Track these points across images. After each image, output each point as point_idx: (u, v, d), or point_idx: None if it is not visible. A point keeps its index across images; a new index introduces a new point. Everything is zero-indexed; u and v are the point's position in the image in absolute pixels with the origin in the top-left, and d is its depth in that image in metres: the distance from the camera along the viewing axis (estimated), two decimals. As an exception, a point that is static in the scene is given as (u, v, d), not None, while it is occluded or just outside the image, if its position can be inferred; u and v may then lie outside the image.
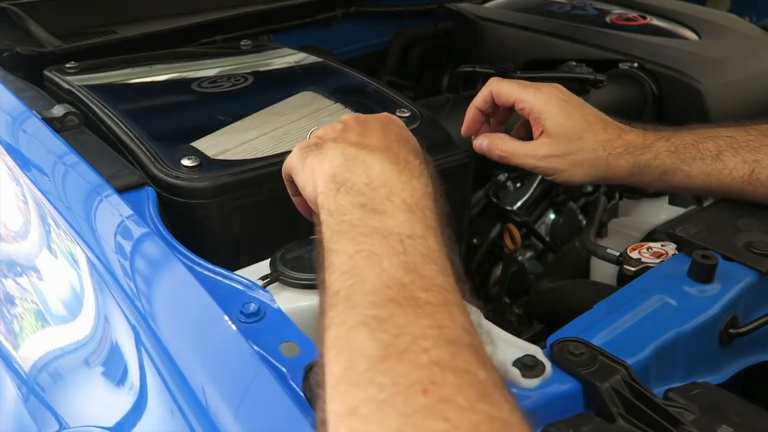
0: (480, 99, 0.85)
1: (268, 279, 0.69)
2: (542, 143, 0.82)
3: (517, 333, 0.62)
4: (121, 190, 0.74)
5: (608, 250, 0.86)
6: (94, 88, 1.00)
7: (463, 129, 0.88)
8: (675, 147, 0.78)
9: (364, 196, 0.56)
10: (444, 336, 0.45)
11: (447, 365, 0.43)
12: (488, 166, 1.12)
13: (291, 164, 0.67)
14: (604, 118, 0.83)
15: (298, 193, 0.68)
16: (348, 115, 0.70)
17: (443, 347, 0.44)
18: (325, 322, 0.49)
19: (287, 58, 1.19)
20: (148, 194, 0.75)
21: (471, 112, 0.87)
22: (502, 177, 1.16)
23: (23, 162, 0.84)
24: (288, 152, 0.83)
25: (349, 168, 0.59)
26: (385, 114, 0.71)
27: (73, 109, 0.91)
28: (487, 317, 0.69)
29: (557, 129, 0.80)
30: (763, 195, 0.77)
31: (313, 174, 0.62)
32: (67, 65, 1.08)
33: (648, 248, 0.78)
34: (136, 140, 0.86)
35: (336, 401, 0.44)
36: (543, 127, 0.81)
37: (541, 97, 0.82)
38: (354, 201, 0.56)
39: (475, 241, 1.14)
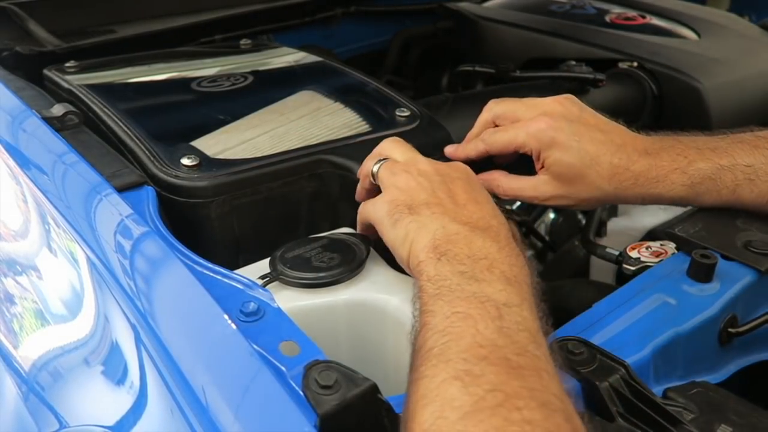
0: (474, 153, 0.81)
1: (268, 278, 0.69)
2: (543, 181, 0.77)
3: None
4: (120, 190, 0.74)
5: (607, 250, 0.86)
6: (93, 88, 1.00)
7: (466, 155, 0.83)
8: (691, 181, 0.73)
9: (465, 266, 0.58)
10: (535, 398, 0.46)
11: (539, 425, 0.44)
12: (488, 166, 1.12)
13: (375, 217, 0.68)
14: (614, 140, 0.75)
15: (370, 231, 0.71)
16: (424, 165, 0.70)
17: (535, 408, 0.45)
18: (415, 376, 0.50)
19: (287, 57, 1.19)
20: (148, 193, 0.75)
21: (473, 138, 0.82)
22: (501, 176, 1.16)
23: (23, 161, 0.84)
24: (288, 152, 0.84)
25: (451, 241, 0.60)
26: (462, 168, 0.71)
27: (72, 109, 0.91)
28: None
29: (556, 167, 0.76)
30: None
31: (410, 241, 0.63)
32: (67, 64, 1.08)
33: (647, 247, 0.78)
34: (135, 139, 0.86)
35: None
36: (542, 163, 0.77)
37: (533, 134, 0.76)
38: (454, 269, 0.57)
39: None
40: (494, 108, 0.81)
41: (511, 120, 0.79)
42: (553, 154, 0.75)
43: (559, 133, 0.75)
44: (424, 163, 0.71)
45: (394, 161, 0.72)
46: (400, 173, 0.69)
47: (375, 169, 0.72)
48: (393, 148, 0.74)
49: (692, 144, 0.75)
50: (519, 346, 0.50)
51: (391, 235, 0.65)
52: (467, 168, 0.72)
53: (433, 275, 0.58)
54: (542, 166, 0.77)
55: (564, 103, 0.79)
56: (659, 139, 0.77)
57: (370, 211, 0.69)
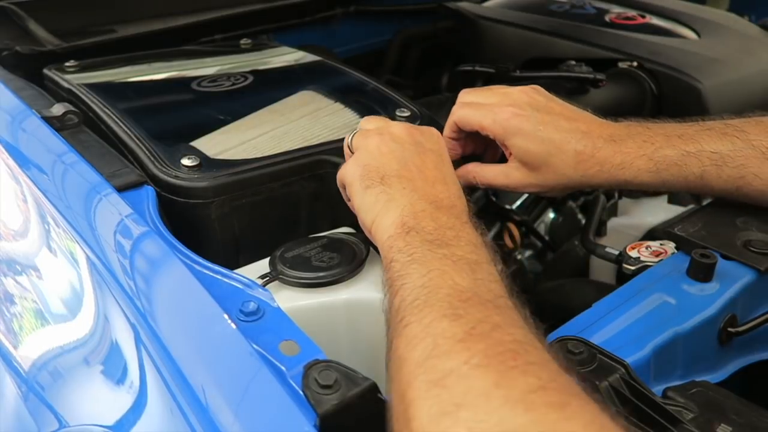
0: (448, 130, 0.83)
1: (268, 278, 0.69)
2: (512, 167, 0.79)
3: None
4: (120, 189, 0.74)
5: (607, 249, 0.86)
6: (93, 87, 1.00)
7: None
8: (657, 167, 0.74)
9: (432, 236, 0.61)
10: (519, 326, 0.51)
11: (529, 344, 0.49)
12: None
13: (348, 179, 0.71)
14: (579, 127, 0.77)
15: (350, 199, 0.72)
16: (397, 129, 0.73)
17: (521, 335, 0.50)
18: (398, 328, 0.52)
19: (287, 57, 1.19)
20: (148, 193, 0.75)
21: (446, 141, 0.81)
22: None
23: (23, 161, 0.84)
24: (288, 152, 0.84)
25: (417, 217, 0.63)
26: (435, 137, 0.75)
27: (72, 108, 0.91)
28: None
29: (521, 155, 0.77)
30: (753, 201, 0.75)
31: (376, 211, 0.66)
32: (67, 64, 1.08)
33: (647, 247, 0.78)
34: (135, 139, 0.86)
35: (423, 374, 0.47)
36: (509, 151, 0.79)
37: (500, 122, 0.77)
38: (423, 239, 0.60)
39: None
40: (465, 97, 0.83)
41: (474, 127, 0.80)
42: (518, 142, 0.77)
43: (524, 121, 0.76)
44: (398, 127, 0.73)
45: (367, 129, 0.75)
46: (372, 136, 0.72)
47: (349, 138, 0.75)
48: (368, 120, 0.79)
49: (660, 131, 0.76)
50: (495, 293, 0.55)
51: (358, 200, 0.68)
52: (439, 136, 0.76)
53: (402, 246, 0.60)
54: (510, 154, 0.79)
55: (530, 93, 0.80)
56: (627, 125, 0.78)
57: (343, 172, 0.72)
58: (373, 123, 0.77)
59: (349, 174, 0.71)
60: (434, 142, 0.74)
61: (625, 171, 0.75)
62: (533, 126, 0.76)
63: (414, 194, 0.66)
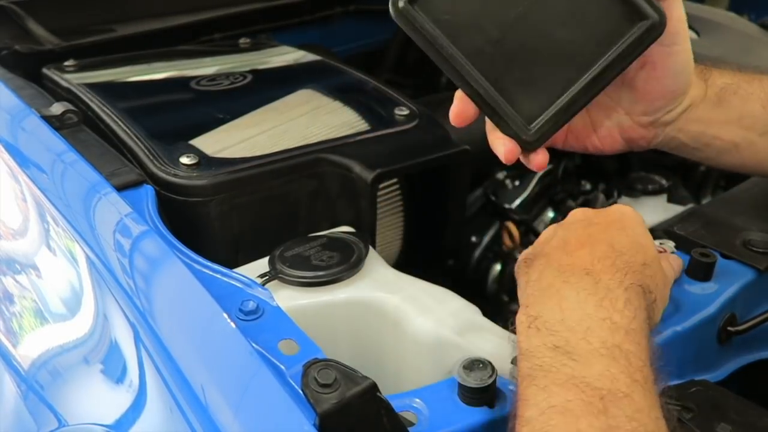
0: None
1: (267, 277, 0.69)
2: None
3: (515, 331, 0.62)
4: (119, 188, 0.74)
5: (607, 248, 0.86)
6: (92, 86, 0.99)
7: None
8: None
9: (557, 336, 0.49)
10: None
11: None
12: (487, 165, 1.12)
13: (519, 261, 0.62)
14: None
15: None
16: (577, 215, 0.63)
17: None
18: None
19: (286, 56, 1.19)
20: (147, 192, 0.75)
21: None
22: (500, 175, 1.16)
23: (22, 160, 0.83)
24: (287, 150, 0.84)
25: (542, 298, 0.53)
26: (619, 210, 0.61)
27: (71, 107, 0.90)
28: (485, 315, 0.70)
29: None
30: None
31: (519, 295, 0.58)
32: (66, 63, 1.08)
33: (646, 246, 0.78)
34: (134, 138, 0.86)
35: None
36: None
37: None
38: (546, 341, 0.49)
39: (473, 239, 1.14)
40: None
41: None
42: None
43: None
44: (577, 216, 0.63)
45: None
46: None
47: None
48: None
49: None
50: None
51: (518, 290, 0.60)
52: (630, 215, 0.61)
53: (525, 348, 0.50)
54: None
55: None
56: None
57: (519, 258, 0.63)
58: None
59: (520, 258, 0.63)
60: (612, 217, 0.61)
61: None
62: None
63: (547, 266, 0.57)
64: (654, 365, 0.49)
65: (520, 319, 0.53)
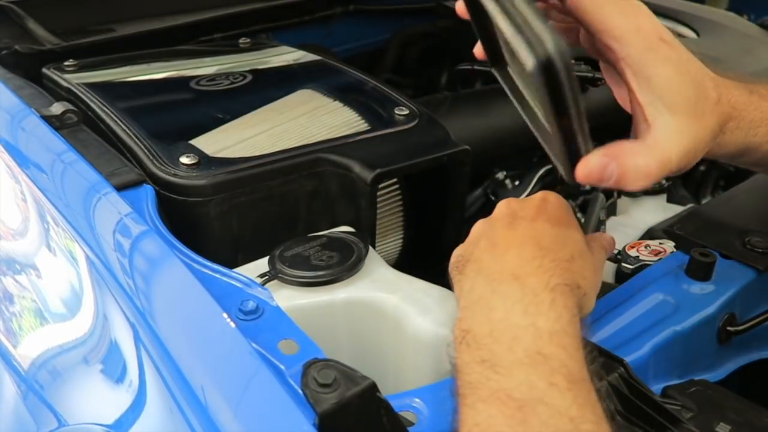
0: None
1: (267, 276, 0.69)
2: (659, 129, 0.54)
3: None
4: (119, 188, 0.74)
5: (607, 248, 0.86)
6: (92, 86, 0.99)
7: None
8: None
9: (485, 349, 0.50)
10: None
11: None
12: (486, 164, 1.12)
13: (451, 263, 0.62)
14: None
15: None
16: (502, 208, 0.62)
17: None
18: None
19: (286, 56, 1.19)
20: (147, 192, 0.75)
21: None
22: (500, 175, 1.16)
23: (22, 160, 0.84)
24: (286, 150, 0.84)
25: (472, 312, 0.53)
26: (543, 200, 0.60)
27: (71, 107, 0.91)
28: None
29: (676, 100, 0.55)
30: None
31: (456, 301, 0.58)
32: (66, 63, 1.08)
33: (646, 246, 0.79)
34: (134, 138, 0.86)
35: None
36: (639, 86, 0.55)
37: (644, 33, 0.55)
38: (474, 356, 0.50)
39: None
40: None
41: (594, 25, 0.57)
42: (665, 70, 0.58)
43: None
44: (504, 206, 0.62)
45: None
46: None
47: None
48: None
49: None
50: None
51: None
52: (555, 204, 0.60)
53: (458, 364, 0.51)
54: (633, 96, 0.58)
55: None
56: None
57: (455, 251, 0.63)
58: None
59: (456, 252, 0.63)
60: (540, 207, 0.61)
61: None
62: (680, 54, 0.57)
63: (477, 276, 0.58)
64: (585, 358, 0.50)
65: (455, 333, 0.53)
